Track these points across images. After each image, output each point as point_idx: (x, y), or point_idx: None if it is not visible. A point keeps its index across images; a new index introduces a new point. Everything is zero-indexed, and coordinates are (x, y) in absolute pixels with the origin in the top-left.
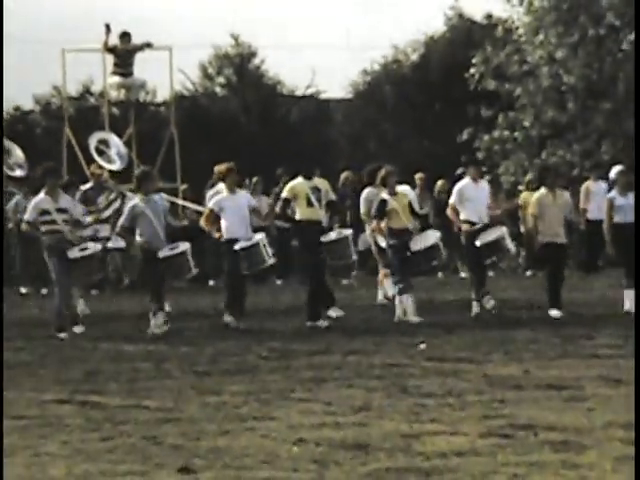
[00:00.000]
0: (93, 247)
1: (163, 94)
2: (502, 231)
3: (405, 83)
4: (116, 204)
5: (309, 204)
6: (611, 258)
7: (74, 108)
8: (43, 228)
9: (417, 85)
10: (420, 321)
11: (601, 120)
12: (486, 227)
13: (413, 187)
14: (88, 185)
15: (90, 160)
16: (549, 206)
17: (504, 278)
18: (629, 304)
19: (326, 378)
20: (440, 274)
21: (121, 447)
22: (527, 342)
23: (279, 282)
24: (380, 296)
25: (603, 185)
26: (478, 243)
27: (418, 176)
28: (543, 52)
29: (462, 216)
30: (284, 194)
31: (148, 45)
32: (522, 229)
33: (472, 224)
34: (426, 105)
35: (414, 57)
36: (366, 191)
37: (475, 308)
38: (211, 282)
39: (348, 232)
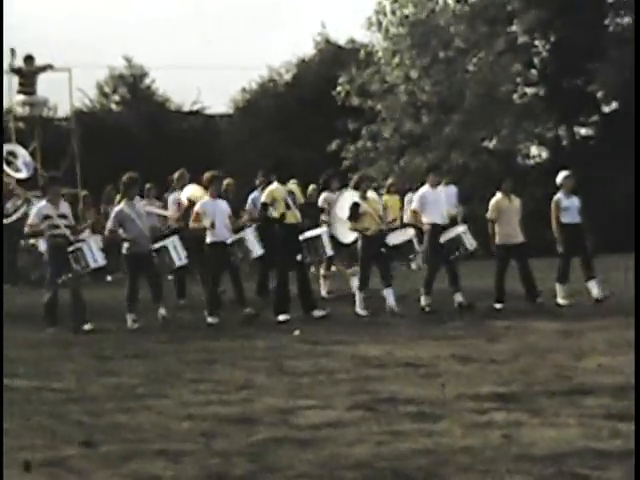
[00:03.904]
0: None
1: (64, 110)
2: (463, 228)
3: (280, 99)
4: (22, 209)
5: (287, 207)
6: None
7: None
8: (48, 232)
9: (291, 101)
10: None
11: (450, 131)
12: (447, 227)
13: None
14: None
15: None
16: (506, 210)
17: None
18: (595, 291)
19: (214, 360)
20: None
21: (30, 425)
22: (390, 326)
23: None
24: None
25: (454, 189)
26: (442, 240)
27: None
28: (400, 72)
29: (426, 219)
30: (264, 199)
31: (50, 67)
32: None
33: (435, 225)
34: (299, 119)
35: (287, 77)
36: (323, 195)
37: (424, 300)
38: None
39: (324, 230)
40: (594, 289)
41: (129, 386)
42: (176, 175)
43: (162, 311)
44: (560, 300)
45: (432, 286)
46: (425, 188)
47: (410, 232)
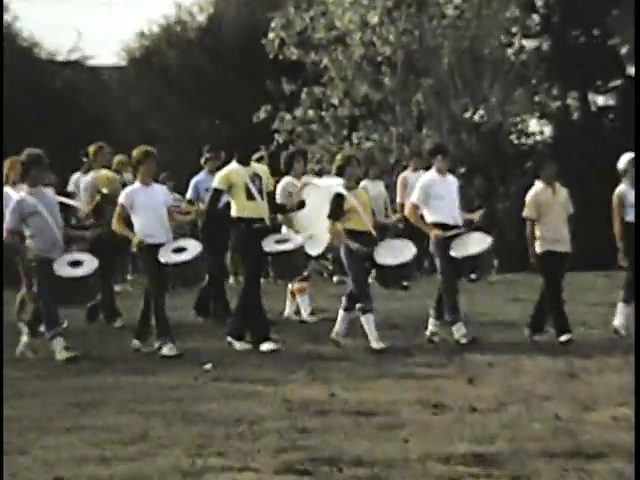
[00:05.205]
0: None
1: None
2: (488, 242)
3: (191, 49)
4: None
5: (249, 197)
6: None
7: None
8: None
9: (205, 52)
10: (385, 347)
11: (421, 97)
12: (461, 232)
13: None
14: None
15: None
16: (550, 204)
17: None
18: (620, 320)
19: (98, 402)
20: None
21: None
22: (335, 360)
23: None
24: (288, 310)
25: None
26: (454, 254)
27: None
28: (354, 15)
29: (430, 218)
30: (215, 183)
31: None
32: None
33: (444, 227)
34: (216, 76)
35: (201, 18)
36: (284, 180)
37: (432, 326)
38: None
39: (300, 240)
40: (620, 315)
41: None
42: (91, 149)
43: (24, 338)
44: (617, 324)
45: (460, 308)
46: (430, 174)
47: (411, 250)
